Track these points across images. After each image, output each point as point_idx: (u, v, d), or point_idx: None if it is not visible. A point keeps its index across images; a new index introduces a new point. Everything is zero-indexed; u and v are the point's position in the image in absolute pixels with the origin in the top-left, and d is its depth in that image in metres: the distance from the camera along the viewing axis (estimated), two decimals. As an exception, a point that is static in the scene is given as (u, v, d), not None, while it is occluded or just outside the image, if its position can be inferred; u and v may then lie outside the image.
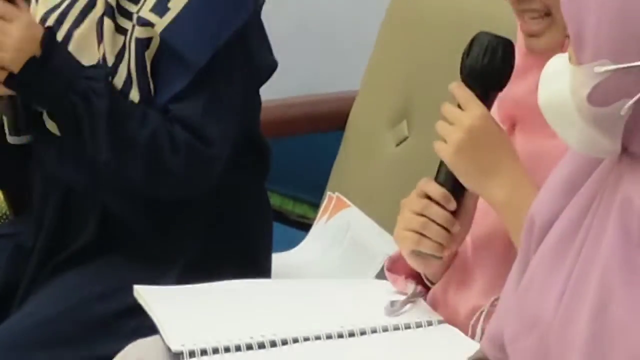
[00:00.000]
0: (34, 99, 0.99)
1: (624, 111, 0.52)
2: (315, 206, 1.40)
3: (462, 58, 0.83)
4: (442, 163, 0.85)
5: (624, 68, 0.52)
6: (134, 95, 0.98)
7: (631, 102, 0.52)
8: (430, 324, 0.86)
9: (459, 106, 0.83)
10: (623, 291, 0.53)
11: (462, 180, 0.83)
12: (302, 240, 1.25)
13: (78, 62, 0.98)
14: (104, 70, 0.97)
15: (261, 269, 1.06)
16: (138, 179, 0.97)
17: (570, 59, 0.56)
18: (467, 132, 0.81)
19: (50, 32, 0.98)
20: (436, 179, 0.85)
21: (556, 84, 0.58)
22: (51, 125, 1.01)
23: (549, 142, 0.80)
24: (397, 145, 1.25)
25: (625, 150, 0.55)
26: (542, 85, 0.59)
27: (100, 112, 0.94)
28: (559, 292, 0.58)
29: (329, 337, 0.80)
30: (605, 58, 0.53)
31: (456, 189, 0.83)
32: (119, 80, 0.97)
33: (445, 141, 0.82)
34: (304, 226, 1.41)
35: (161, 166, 0.96)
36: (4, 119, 1.01)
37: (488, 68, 0.81)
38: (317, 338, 0.80)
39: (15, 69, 0.95)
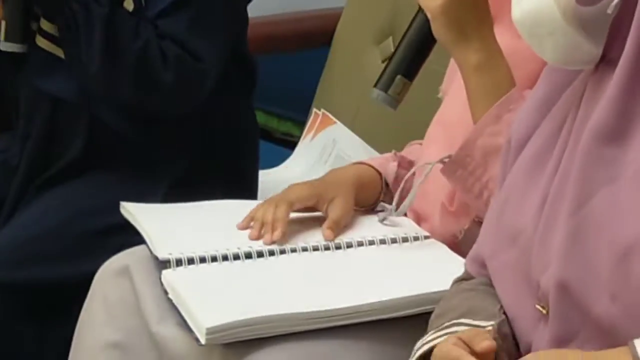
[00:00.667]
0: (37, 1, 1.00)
1: (610, 9, 0.52)
2: (301, 123, 1.40)
3: None
4: (415, 19, 0.85)
5: None
6: (129, 3, 0.97)
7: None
8: (416, 239, 0.87)
9: None
10: (603, 186, 0.53)
11: (439, 36, 0.83)
12: (287, 158, 1.25)
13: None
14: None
15: (247, 186, 1.07)
16: (128, 91, 0.96)
17: None
18: None
19: None
20: (406, 32, 0.85)
21: None
22: (42, 42, 0.99)
23: (524, 43, 0.73)
24: (383, 61, 1.20)
25: (603, 58, 0.55)
26: (516, 0, 0.59)
27: (98, 21, 0.93)
28: (538, 205, 0.59)
29: (315, 249, 0.82)
30: None
31: (424, 45, 0.85)
32: None
33: None
34: (289, 144, 1.41)
35: (152, 78, 0.95)
36: (2, 24, 0.98)
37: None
38: (304, 250, 0.81)
39: None
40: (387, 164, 0.93)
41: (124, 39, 0.95)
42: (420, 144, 0.97)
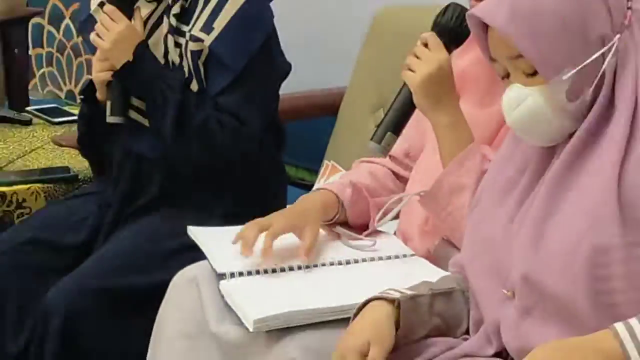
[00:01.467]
0: (129, 87, 1.19)
1: (588, 96, 0.66)
2: (314, 172, 1.61)
3: (437, 17, 0.98)
4: (401, 92, 1.00)
5: (580, 68, 0.65)
6: (194, 85, 1.19)
7: (591, 89, 0.65)
8: (405, 256, 1.02)
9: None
10: (553, 215, 0.67)
11: (419, 104, 0.96)
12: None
13: (159, 63, 1.20)
14: (176, 73, 1.19)
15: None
16: (194, 152, 1.17)
17: (525, 85, 0.68)
18: (435, 69, 0.94)
19: (143, 40, 1.19)
20: (394, 101, 1.00)
21: (525, 102, 0.68)
22: (133, 114, 1.22)
23: (481, 111, 0.99)
24: (376, 126, 1.24)
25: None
26: (509, 108, 0.71)
27: (172, 103, 1.15)
28: (505, 222, 0.72)
29: (331, 263, 1.00)
30: (566, 68, 0.66)
31: (407, 110, 0.99)
32: (183, 75, 1.20)
33: (413, 71, 0.96)
34: (305, 187, 1.64)
35: (212, 142, 1.15)
36: (108, 103, 1.20)
37: (456, 28, 0.95)
38: (323, 265, 0.99)
39: (115, 61, 1.16)
40: (344, 190, 1.05)
41: (190, 114, 1.16)
42: (369, 161, 1.13)
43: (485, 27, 0.71)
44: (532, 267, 0.68)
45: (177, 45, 1.18)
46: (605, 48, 0.66)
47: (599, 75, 0.66)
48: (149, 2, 1.22)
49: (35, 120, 1.87)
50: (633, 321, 0.61)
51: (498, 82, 0.81)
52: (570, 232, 0.66)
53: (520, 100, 0.69)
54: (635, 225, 0.64)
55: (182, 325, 1.02)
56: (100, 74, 1.21)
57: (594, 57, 0.65)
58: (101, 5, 1.22)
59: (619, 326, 0.61)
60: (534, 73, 0.68)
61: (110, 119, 1.20)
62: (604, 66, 0.66)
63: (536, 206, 0.69)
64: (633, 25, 0.68)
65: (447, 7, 0.98)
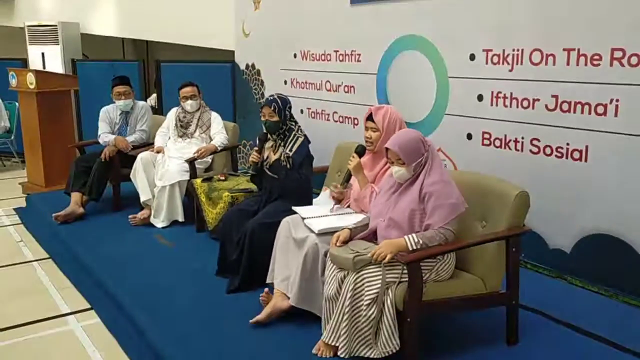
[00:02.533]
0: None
1: (425, 160, 2.56)
2: (319, 189, 3.77)
3: (356, 148, 3.07)
4: (347, 170, 3.05)
5: (416, 163, 2.51)
6: (290, 165, 3.55)
7: (418, 169, 2.57)
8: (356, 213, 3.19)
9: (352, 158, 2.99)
10: (397, 204, 2.57)
11: (354, 174, 3.03)
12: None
13: (280, 164, 3.57)
14: (288, 169, 3.55)
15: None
16: (297, 187, 3.54)
17: (401, 167, 2.52)
18: (356, 164, 2.98)
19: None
20: (346, 173, 3.14)
21: (399, 171, 2.53)
22: (268, 171, 3.63)
23: (369, 173, 3.13)
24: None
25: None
26: (395, 172, 2.56)
27: (288, 177, 3.54)
28: (385, 201, 2.60)
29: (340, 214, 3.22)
30: (412, 163, 2.49)
31: (348, 175, 3.08)
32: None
33: (350, 162, 2.98)
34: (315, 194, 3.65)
35: (304, 184, 3.49)
36: (259, 164, 3.73)
37: (361, 151, 3.06)
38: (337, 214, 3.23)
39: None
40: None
41: (294, 178, 3.52)
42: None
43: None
44: (391, 214, 2.49)
45: (282, 154, 3.57)
46: (423, 157, 2.45)
47: (422, 166, 2.43)
48: (274, 140, 3.61)
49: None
50: (411, 235, 2.38)
51: (375, 166, 3.14)
52: (403, 207, 2.70)
53: (399, 170, 2.51)
54: (421, 205, 2.41)
55: (284, 234, 3.00)
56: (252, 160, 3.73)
57: (420, 159, 2.45)
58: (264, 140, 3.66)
59: (406, 237, 2.39)
60: (404, 163, 2.44)
61: (269, 172, 3.66)
62: (423, 161, 2.45)
63: (394, 199, 2.80)
64: (429, 151, 2.48)
65: (358, 147, 3.15)
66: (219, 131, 4.81)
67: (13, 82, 6.38)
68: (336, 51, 5.12)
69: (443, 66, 4.05)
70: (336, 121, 5.31)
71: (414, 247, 2.39)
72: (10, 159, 8.03)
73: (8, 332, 3.20)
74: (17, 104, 7.08)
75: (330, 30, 5.10)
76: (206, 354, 2.61)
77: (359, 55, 4.92)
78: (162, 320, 2.97)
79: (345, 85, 5.22)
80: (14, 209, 5.68)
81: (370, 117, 2.99)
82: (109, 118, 5.14)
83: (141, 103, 5.29)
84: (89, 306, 3.51)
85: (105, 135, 5.04)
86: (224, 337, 2.77)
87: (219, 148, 4.78)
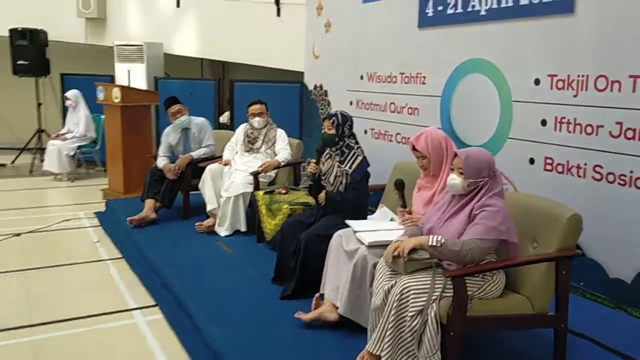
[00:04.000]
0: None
1: (483, 184, 2.70)
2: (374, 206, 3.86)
3: (395, 184, 3.33)
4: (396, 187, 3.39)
5: (473, 181, 2.57)
6: (344, 187, 3.78)
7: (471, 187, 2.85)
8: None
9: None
10: (446, 221, 2.81)
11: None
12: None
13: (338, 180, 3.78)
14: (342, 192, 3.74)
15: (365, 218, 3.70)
16: (353, 205, 3.72)
17: (458, 177, 2.58)
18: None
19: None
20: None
21: (454, 179, 2.59)
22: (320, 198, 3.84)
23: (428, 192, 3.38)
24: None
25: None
26: (451, 179, 2.61)
27: (343, 199, 3.74)
28: (438, 219, 2.69)
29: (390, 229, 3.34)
30: (469, 178, 2.56)
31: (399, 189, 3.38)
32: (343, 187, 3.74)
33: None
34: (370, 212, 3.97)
35: (360, 200, 3.73)
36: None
37: (400, 186, 3.32)
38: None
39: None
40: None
41: (349, 198, 3.68)
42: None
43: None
44: (441, 232, 2.84)
45: (340, 171, 3.80)
46: (483, 181, 2.59)
47: (478, 189, 2.52)
48: (329, 154, 3.81)
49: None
50: (436, 236, 2.49)
51: (433, 185, 3.24)
52: (453, 229, 2.88)
53: (454, 181, 2.58)
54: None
55: (335, 246, 3.14)
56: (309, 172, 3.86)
57: (478, 180, 2.54)
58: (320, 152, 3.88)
59: (430, 237, 2.48)
60: (462, 174, 2.50)
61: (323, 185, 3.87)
62: (481, 183, 2.66)
63: (446, 218, 2.96)
64: (492, 178, 2.55)
65: (397, 181, 3.48)
66: (283, 147, 5.09)
67: (100, 96, 6.89)
68: (402, 73, 5.26)
69: (507, 90, 4.08)
70: (399, 142, 5.46)
71: (434, 244, 2.48)
72: (94, 167, 8.54)
73: (78, 321, 3.45)
74: (102, 116, 7.51)
75: (397, 52, 5.24)
76: (257, 354, 2.79)
77: (424, 77, 5.04)
78: (218, 320, 3.18)
79: (410, 107, 5.35)
80: (95, 213, 6.12)
81: (414, 147, 3.07)
82: (167, 141, 5.48)
83: (199, 119, 5.53)
84: (154, 303, 3.72)
85: (159, 161, 5.44)
86: (275, 339, 2.94)
87: (282, 163, 5.01)
